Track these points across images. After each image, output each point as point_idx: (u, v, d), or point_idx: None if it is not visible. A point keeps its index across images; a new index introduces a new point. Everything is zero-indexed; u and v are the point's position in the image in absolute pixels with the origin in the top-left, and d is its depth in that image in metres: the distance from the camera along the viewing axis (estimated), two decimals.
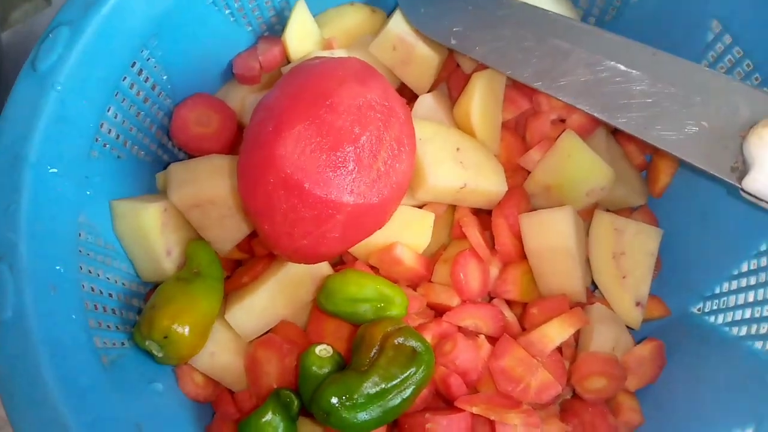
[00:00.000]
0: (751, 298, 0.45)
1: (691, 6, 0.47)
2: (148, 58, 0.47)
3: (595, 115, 0.44)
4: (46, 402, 0.35)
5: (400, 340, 0.40)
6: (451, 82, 0.53)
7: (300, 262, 0.43)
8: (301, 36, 0.52)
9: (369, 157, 0.40)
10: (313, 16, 0.54)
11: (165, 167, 0.50)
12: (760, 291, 0.45)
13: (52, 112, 0.40)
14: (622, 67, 0.44)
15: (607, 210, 0.52)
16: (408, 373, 0.39)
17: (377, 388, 0.38)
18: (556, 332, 0.45)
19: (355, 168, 0.39)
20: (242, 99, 0.52)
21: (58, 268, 0.39)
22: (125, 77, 0.45)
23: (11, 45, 0.75)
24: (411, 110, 0.49)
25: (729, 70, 0.47)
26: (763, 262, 0.45)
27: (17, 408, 0.35)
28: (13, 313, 0.36)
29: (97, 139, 0.44)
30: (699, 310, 0.50)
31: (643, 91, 0.43)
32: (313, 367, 0.41)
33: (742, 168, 0.39)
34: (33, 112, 0.40)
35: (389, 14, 0.56)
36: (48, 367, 0.35)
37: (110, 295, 0.43)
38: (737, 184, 0.39)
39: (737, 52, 0.46)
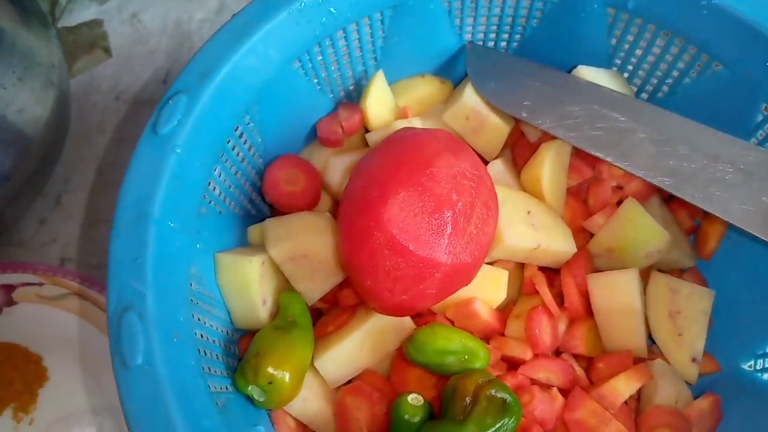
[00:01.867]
0: None
1: (741, 91, 0.52)
2: (249, 123, 0.51)
3: (661, 186, 0.48)
4: None
5: (492, 392, 0.43)
6: (515, 149, 0.58)
7: (396, 315, 0.46)
8: (379, 104, 0.57)
9: (464, 221, 0.44)
10: (388, 85, 0.58)
11: (253, 221, 0.54)
12: None
13: (172, 173, 0.44)
14: (683, 145, 0.49)
15: (660, 271, 0.56)
16: (501, 423, 0.42)
17: None
18: (624, 386, 0.48)
19: (452, 231, 0.43)
20: (325, 160, 0.56)
21: (178, 316, 0.42)
22: (229, 140, 0.49)
23: (75, 93, 0.80)
24: None
25: None
26: None
27: None
28: (143, 359, 0.39)
29: (205, 197, 0.47)
30: (750, 367, 0.53)
31: (704, 166, 0.48)
32: (406, 416, 0.44)
33: None
34: (155, 173, 0.44)
35: (456, 84, 0.61)
36: (177, 411, 0.38)
37: (214, 341, 0.46)
38: None
39: None
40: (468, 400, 0.43)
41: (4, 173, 0.63)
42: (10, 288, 0.65)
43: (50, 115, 0.66)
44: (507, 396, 0.43)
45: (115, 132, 0.78)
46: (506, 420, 0.42)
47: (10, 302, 0.65)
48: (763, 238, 0.44)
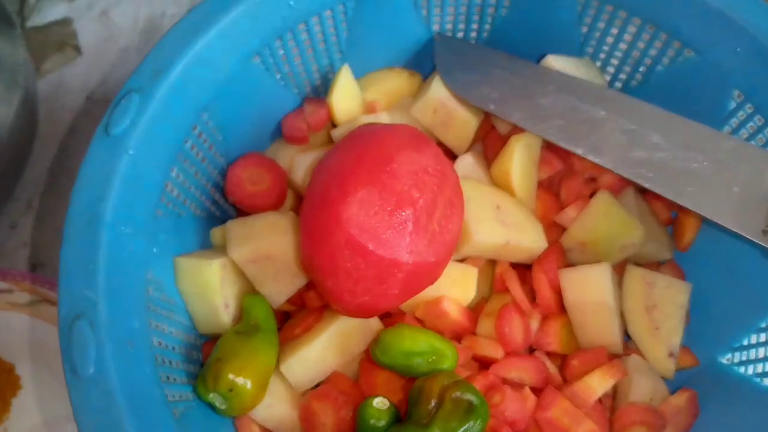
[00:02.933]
0: None
1: (713, 77, 0.50)
2: (208, 121, 0.50)
3: (630, 178, 0.47)
4: None
5: (458, 394, 0.42)
6: (486, 142, 0.57)
7: (358, 317, 0.45)
8: (346, 98, 0.55)
9: (426, 218, 0.42)
10: (356, 79, 0.57)
11: (217, 222, 0.53)
12: None
13: (125, 175, 0.43)
14: (654, 134, 0.47)
15: (636, 264, 0.55)
16: (467, 426, 0.41)
17: None
18: (598, 383, 0.47)
19: (414, 229, 0.42)
20: (291, 158, 0.54)
21: (132, 324, 0.41)
22: (187, 140, 0.48)
23: (44, 94, 0.78)
24: None
25: (751, 136, 0.50)
26: None
27: None
28: (95, 369, 0.38)
29: (162, 199, 0.46)
30: (728, 360, 0.52)
31: (674, 156, 0.47)
32: (372, 420, 0.43)
33: None
34: (107, 174, 0.42)
35: (426, 77, 0.60)
36: (130, 423, 0.37)
37: (174, 348, 0.45)
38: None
39: (759, 119, 0.49)
40: (433, 402, 0.42)
41: None
42: None
43: (16, 117, 0.65)
44: (473, 398, 0.42)
45: (87, 132, 0.76)
46: (471, 423, 0.41)
47: None
48: (732, 228, 0.43)
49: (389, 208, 0.42)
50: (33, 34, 0.81)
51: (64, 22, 0.83)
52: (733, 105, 0.51)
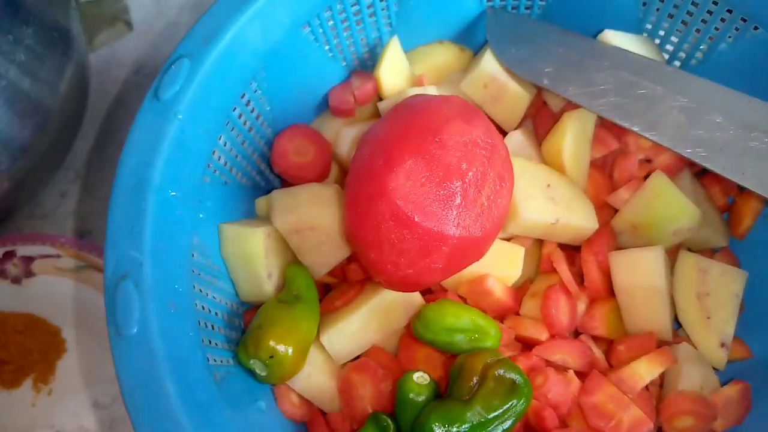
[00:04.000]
0: None
1: None
2: (256, 90, 0.49)
3: (689, 157, 0.45)
4: (171, 415, 0.36)
5: (501, 372, 0.41)
6: (537, 119, 0.55)
7: (402, 291, 0.45)
8: (394, 72, 0.54)
9: (474, 192, 0.41)
10: (404, 53, 0.56)
11: (262, 193, 0.53)
12: None
13: (173, 140, 0.43)
14: (716, 113, 0.45)
15: (690, 250, 0.53)
16: (509, 404, 0.40)
17: (480, 418, 0.39)
18: (645, 370, 0.46)
19: (461, 202, 0.41)
20: (336, 131, 0.54)
21: (176, 287, 0.41)
22: (235, 108, 0.48)
23: (95, 67, 0.79)
24: None
25: None
26: None
27: (143, 420, 0.37)
28: (138, 329, 0.38)
29: (209, 166, 0.46)
30: None
31: (736, 136, 0.44)
32: (411, 394, 0.42)
33: None
34: (156, 139, 0.43)
35: (476, 52, 0.59)
36: (171, 383, 0.37)
37: (216, 314, 0.45)
38: None
39: None
40: (475, 379, 0.41)
41: (23, 144, 0.63)
42: (29, 260, 0.66)
43: (68, 88, 0.66)
44: (517, 376, 0.41)
45: (136, 106, 0.77)
46: (515, 401, 0.40)
47: (29, 274, 0.66)
48: None
49: (437, 180, 0.41)
50: (86, 7, 0.82)
51: None
52: None
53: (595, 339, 0.50)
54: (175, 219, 0.42)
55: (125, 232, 0.40)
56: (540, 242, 0.51)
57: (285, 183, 0.54)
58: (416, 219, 0.40)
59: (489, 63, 0.52)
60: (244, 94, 0.48)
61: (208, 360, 0.41)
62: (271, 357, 0.43)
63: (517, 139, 0.52)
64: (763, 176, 0.43)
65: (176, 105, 0.43)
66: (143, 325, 0.38)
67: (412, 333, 0.46)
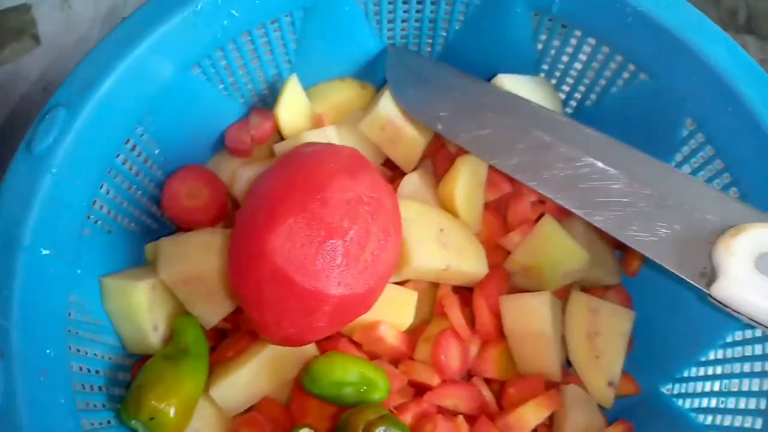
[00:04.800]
0: (717, 387, 0.48)
1: (667, 102, 0.49)
2: (142, 134, 0.48)
3: (574, 210, 0.46)
4: None
5: (382, 429, 0.41)
6: (436, 159, 0.55)
7: (288, 346, 0.44)
8: (293, 111, 0.53)
9: (357, 249, 0.41)
10: (305, 89, 0.55)
11: (154, 236, 0.51)
12: (725, 381, 0.47)
13: (46, 195, 0.41)
14: (600, 165, 0.46)
15: (583, 287, 0.54)
16: None
17: None
18: (531, 415, 0.47)
19: (343, 261, 0.41)
20: (233, 171, 0.53)
21: (48, 351, 0.39)
22: (119, 154, 0.46)
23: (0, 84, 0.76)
24: (398, 189, 0.51)
25: (701, 166, 0.49)
26: (729, 353, 0.47)
27: None
28: (2, 402, 0.37)
29: (89, 217, 0.45)
30: (669, 390, 0.52)
31: (619, 190, 0.45)
32: None
33: (710, 274, 0.41)
34: (27, 196, 0.41)
35: (378, 88, 0.58)
36: None
37: (97, 372, 0.44)
38: (705, 290, 0.41)
39: (710, 150, 0.48)
40: None
41: None
42: None
43: None
44: None
45: None
46: None
47: None
48: (669, 268, 0.42)
49: (318, 239, 0.40)
50: None
51: (23, 9, 0.80)
52: (685, 133, 0.49)
53: (488, 381, 0.51)
54: (48, 278, 0.41)
55: None
56: (436, 284, 0.52)
57: (179, 226, 0.53)
58: (297, 279, 0.40)
59: (386, 106, 0.52)
60: (128, 140, 0.47)
61: (83, 426, 0.40)
62: (152, 418, 0.42)
63: (413, 182, 0.52)
64: (640, 231, 0.44)
65: (50, 158, 0.41)
66: (8, 398, 0.37)
67: None
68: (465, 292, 0.52)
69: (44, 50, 0.78)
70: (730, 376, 0.47)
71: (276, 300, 0.40)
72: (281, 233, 0.40)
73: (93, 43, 0.80)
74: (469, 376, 0.51)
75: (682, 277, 0.42)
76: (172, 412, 0.42)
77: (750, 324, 0.40)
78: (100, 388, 0.44)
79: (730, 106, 0.45)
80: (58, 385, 0.39)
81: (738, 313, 0.40)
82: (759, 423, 0.43)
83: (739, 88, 0.45)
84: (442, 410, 0.48)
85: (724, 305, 0.40)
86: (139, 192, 0.50)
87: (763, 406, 0.43)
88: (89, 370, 0.43)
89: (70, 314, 0.42)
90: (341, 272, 0.41)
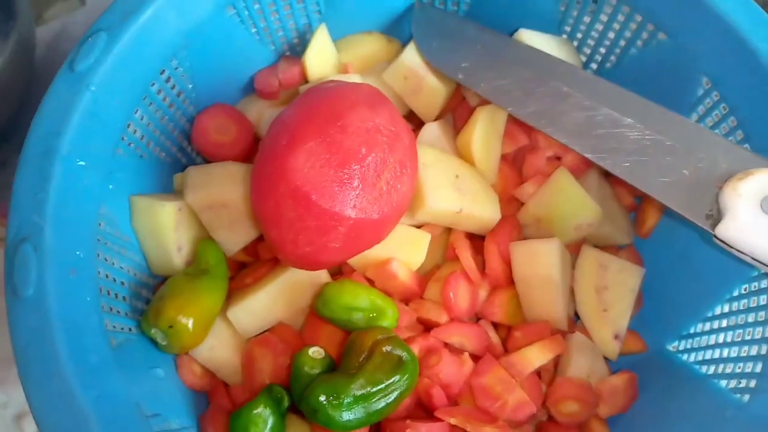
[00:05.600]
0: (721, 339, 0.48)
1: (683, 62, 0.50)
2: (177, 67, 0.50)
3: (586, 155, 0.47)
4: (59, 375, 0.38)
5: (388, 348, 0.43)
6: (456, 113, 0.57)
7: (302, 268, 0.46)
8: (320, 59, 0.56)
9: (373, 176, 0.43)
10: (333, 41, 0.57)
11: (183, 169, 0.54)
12: (730, 333, 0.48)
13: (84, 110, 0.44)
14: (615, 114, 0.47)
15: (595, 246, 0.55)
16: (393, 379, 0.41)
17: (363, 391, 0.41)
18: (535, 356, 0.48)
19: (359, 185, 0.43)
20: (260, 112, 0.55)
21: (78, 253, 0.42)
22: (154, 83, 0.49)
23: (45, 42, 0.79)
24: (417, 137, 0.53)
25: (716, 124, 0.50)
26: (735, 306, 0.48)
27: (31, 379, 0.38)
28: (34, 290, 0.39)
29: (123, 138, 0.47)
30: (674, 348, 0.52)
31: (632, 138, 0.46)
32: (305, 367, 0.44)
33: (716, 216, 0.42)
34: (67, 109, 0.43)
35: (404, 45, 0.60)
36: (62, 344, 0.38)
37: (122, 283, 0.46)
38: (710, 231, 0.42)
39: (723, 108, 0.49)
40: (364, 355, 0.43)
41: None
42: None
43: (9, 62, 0.66)
44: (403, 353, 0.43)
45: None
46: (398, 377, 0.42)
47: None
48: (677, 211, 0.43)
49: (336, 163, 0.42)
50: None
51: None
52: (701, 92, 0.50)
53: (495, 325, 0.52)
54: (82, 188, 0.43)
55: (29, 198, 0.41)
56: (449, 230, 0.53)
57: (206, 162, 0.55)
58: (314, 198, 0.42)
59: (410, 56, 0.54)
60: (163, 71, 0.49)
61: (106, 325, 0.42)
62: (171, 327, 0.44)
63: (432, 131, 0.54)
64: (649, 175, 0.45)
65: (90, 77, 0.44)
66: (39, 287, 0.39)
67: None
68: (477, 241, 0.54)
69: (88, 10, 0.81)
70: (735, 327, 0.47)
71: (293, 218, 0.42)
72: (301, 155, 0.42)
73: None
74: (477, 319, 0.52)
75: (688, 218, 0.43)
76: (190, 323, 0.44)
77: (753, 266, 0.41)
78: (123, 298, 0.46)
79: (746, 64, 0.46)
80: (85, 284, 0.42)
81: (742, 253, 0.41)
82: (759, 367, 0.43)
83: (756, 45, 0.46)
84: (448, 347, 0.49)
85: (728, 246, 0.41)
86: (171, 124, 0.52)
87: (764, 351, 0.44)
88: (114, 279, 0.45)
89: (100, 224, 0.45)
90: (357, 195, 0.42)
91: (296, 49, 0.59)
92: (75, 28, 0.81)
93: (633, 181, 0.45)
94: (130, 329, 0.45)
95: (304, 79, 0.56)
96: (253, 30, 0.54)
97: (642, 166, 0.45)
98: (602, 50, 0.56)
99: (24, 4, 0.68)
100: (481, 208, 0.51)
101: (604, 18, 0.54)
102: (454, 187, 0.51)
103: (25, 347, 0.38)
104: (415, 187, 0.47)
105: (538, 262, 0.49)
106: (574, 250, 0.54)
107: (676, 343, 0.53)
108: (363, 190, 0.43)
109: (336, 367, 0.46)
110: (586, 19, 0.55)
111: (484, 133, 0.52)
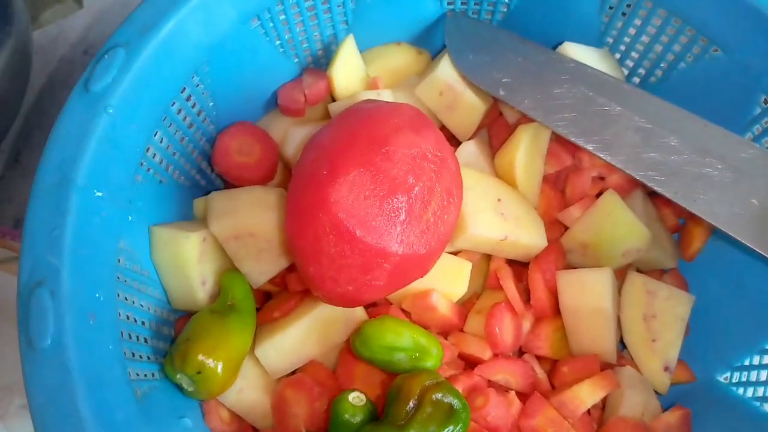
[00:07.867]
0: None
1: (740, 79, 0.47)
2: (198, 84, 0.47)
3: (643, 180, 0.44)
4: None
5: (439, 396, 0.39)
6: (492, 129, 0.54)
7: (342, 306, 0.43)
8: (348, 72, 0.52)
9: (420, 207, 0.40)
10: (360, 52, 0.54)
11: (202, 192, 0.50)
12: None
13: (102, 136, 0.40)
14: (672, 136, 0.44)
15: (639, 270, 0.52)
16: (446, 430, 0.38)
17: None
18: (587, 394, 0.45)
19: (406, 218, 0.39)
20: (285, 130, 0.51)
21: (97, 295, 0.38)
22: (174, 102, 0.45)
23: (41, 45, 0.75)
24: None
25: None
26: None
27: None
28: (52, 341, 0.35)
29: (142, 164, 0.43)
30: (726, 379, 0.50)
31: (691, 162, 0.44)
32: (346, 415, 0.41)
33: None
34: (83, 134, 0.39)
35: (434, 56, 0.57)
36: (85, 401, 0.34)
37: (143, 323, 0.43)
38: None
39: None
40: (412, 403, 0.40)
41: None
42: None
43: (4, 66, 0.62)
44: (455, 401, 0.39)
45: None
46: (451, 428, 0.38)
47: None
48: (747, 243, 0.40)
49: (382, 194, 0.39)
50: None
51: None
52: (758, 111, 0.47)
53: (539, 359, 0.49)
54: (100, 221, 0.39)
55: (44, 235, 0.37)
56: (488, 257, 0.50)
57: (227, 184, 0.51)
58: (358, 234, 0.38)
59: (445, 70, 0.51)
60: (184, 89, 0.45)
61: (129, 374, 0.38)
62: (199, 372, 0.40)
63: (470, 150, 0.50)
64: (713, 204, 0.42)
65: (107, 98, 0.40)
66: (58, 337, 0.35)
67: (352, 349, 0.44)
68: (517, 268, 0.50)
69: (86, 13, 0.77)
70: None
71: (335, 254, 0.39)
72: (343, 185, 0.38)
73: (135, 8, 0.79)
74: (520, 353, 0.49)
75: (762, 253, 0.40)
76: (219, 367, 0.41)
77: None
78: (145, 339, 0.42)
79: None
80: (106, 330, 0.38)
81: None
82: None
83: None
84: (492, 385, 0.46)
85: None
86: (191, 145, 0.48)
87: None
88: (135, 320, 0.42)
89: (119, 261, 0.41)
90: (403, 230, 0.39)
91: (320, 62, 0.55)
92: (72, 31, 0.77)
93: (696, 210, 0.42)
94: (153, 375, 0.41)
95: (330, 94, 0.53)
96: (277, 42, 0.51)
97: (705, 193, 0.42)
98: (647, 63, 0.53)
99: (20, 8, 0.64)
100: (526, 235, 0.48)
101: (651, 30, 0.51)
102: (496, 211, 0.47)
103: (44, 405, 0.34)
104: (460, 213, 0.44)
105: (589, 293, 0.46)
106: (619, 275, 0.51)
107: (727, 375, 0.50)
108: (410, 223, 0.39)
109: (377, 413, 0.42)
110: (632, 31, 0.52)
111: (528, 153, 0.49)
